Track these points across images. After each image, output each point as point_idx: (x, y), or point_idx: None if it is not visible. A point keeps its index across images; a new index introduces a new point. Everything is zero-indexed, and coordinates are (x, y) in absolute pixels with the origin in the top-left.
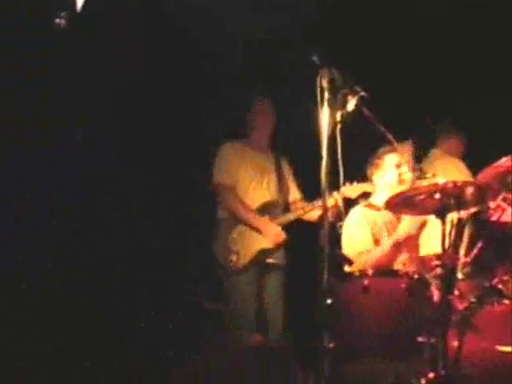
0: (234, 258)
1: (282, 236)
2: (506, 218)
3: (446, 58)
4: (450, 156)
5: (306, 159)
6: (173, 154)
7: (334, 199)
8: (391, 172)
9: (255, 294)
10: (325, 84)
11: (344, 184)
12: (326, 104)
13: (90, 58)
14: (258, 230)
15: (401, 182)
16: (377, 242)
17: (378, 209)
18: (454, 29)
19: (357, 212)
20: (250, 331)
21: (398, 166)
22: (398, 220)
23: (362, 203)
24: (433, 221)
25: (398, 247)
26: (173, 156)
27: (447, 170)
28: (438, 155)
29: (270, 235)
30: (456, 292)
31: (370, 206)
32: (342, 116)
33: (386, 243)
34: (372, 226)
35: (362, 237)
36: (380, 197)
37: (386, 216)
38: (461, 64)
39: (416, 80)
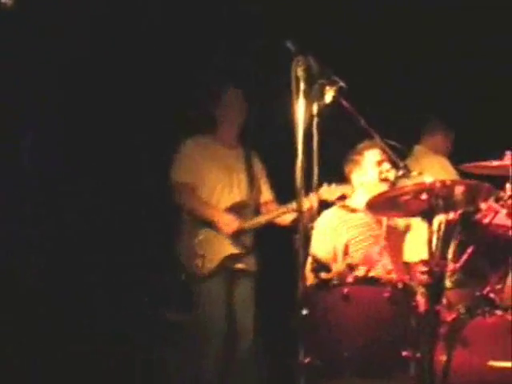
0: (199, 262)
1: (235, 224)
2: (498, 220)
3: (435, 51)
4: (435, 153)
5: (280, 156)
6: (129, 153)
7: (309, 202)
8: (372, 170)
9: (224, 300)
10: (300, 73)
11: (321, 185)
12: (301, 95)
13: (36, 41)
14: (212, 223)
15: (383, 180)
16: (347, 248)
17: (354, 210)
18: (440, 22)
19: (329, 214)
20: (219, 341)
21: (380, 163)
22: (378, 223)
23: (337, 204)
24: (419, 224)
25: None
26: (129, 156)
27: (433, 169)
28: (422, 152)
29: (222, 225)
30: (444, 302)
31: (345, 207)
32: (318, 109)
33: (340, 264)
34: (346, 229)
35: (332, 242)
36: (358, 197)
37: (362, 218)
38: (448, 58)
39: (401, 72)
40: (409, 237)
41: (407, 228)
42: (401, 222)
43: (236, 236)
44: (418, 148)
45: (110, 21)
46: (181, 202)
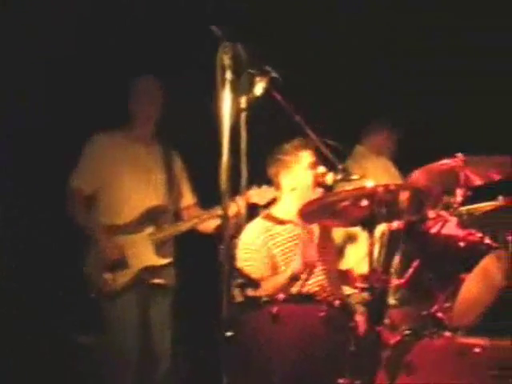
0: (109, 277)
1: (113, 254)
2: (448, 230)
3: (384, 44)
4: (377, 154)
5: (203, 155)
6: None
7: (236, 206)
8: (304, 173)
9: (139, 320)
10: (227, 61)
11: (250, 187)
12: (227, 86)
13: None
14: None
15: (318, 185)
16: (274, 266)
17: (281, 221)
18: (385, 16)
19: (254, 227)
20: (132, 366)
21: (314, 165)
22: (310, 234)
23: (261, 214)
24: (361, 234)
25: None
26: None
27: (376, 171)
28: (364, 153)
29: (102, 247)
30: (386, 322)
31: (271, 218)
32: (247, 102)
33: (282, 277)
34: (273, 244)
35: (259, 259)
36: (286, 205)
37: (292, 230)
38: (396, 54)
39: (343, 66)
40: (353, 249)
41: (350, 239)
42: (339, 233)
43: (153, 246)
44: (359, 148)
45: None
46: (67, 210)
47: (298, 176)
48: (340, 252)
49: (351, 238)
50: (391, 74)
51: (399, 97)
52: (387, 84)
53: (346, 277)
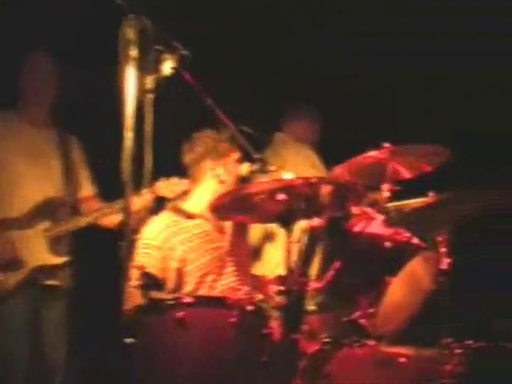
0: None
1: (7, 254)
2: (373, 228)
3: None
4: (300, 143)
5: (104, 141)
6: None
7: (143, 199)
8: (235, 165)
9: (27, 328)
10: (131, 36)
11: (158, 179)
12: (132, 64)
13: None
14: None
15: (231, 176)
16: (183, 262)
17: (190, 216)
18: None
19: (159, 220)
20: (19, 379)
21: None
22: (221, 231)
23: (168, 206)
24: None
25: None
26: None
27: (296, 161)
28: (284, 141)
29: None
30: (304, 329)
31: (180, 211)
32: (154, 82)
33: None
34: (180, 240)
35: (163, 257)
36: (197, 198)
37: (201, 226)
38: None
39: (264, 48)
40: (272, 249)
41: (268, 238)
42: (257, 231)
43: (48, 243)
44: (279, 136)
45: None
46: None
47: (229, 168)
48: (257, 253)
49: (270, 237)
50: (316, 56)
51: (324, 80)
52: (311, 67)
53: (258, 283)
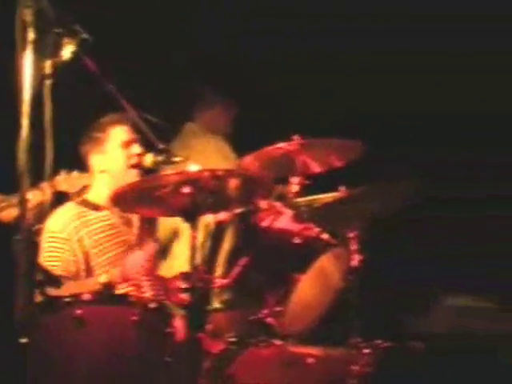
0: None
1: None
2: (282, 223)
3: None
4: (210, 134)
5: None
6: None
7: (40, 194)
8: (117, 152)
9: None
10: (29, 17)
11: (58, 172)
12: (29, 48)
13: None
14: None
15: (133, 167)
16: (91, 255)
17: (97, 207)
18: None
19: (64, 212)
20: None
21: (128, 144)
22: (129, 224)
23: (75, 199)
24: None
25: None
26: None
27: (206, 152)
28: (194, 131)
29: None
30: (209, 327)
31: (85, 202)
32: (53, 67)
33: (91, 282)
34: (86, 233)
35: (67, 250)
36: (101, 188)
37: (108, 218)
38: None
39: (173, 30)
40: (180, 246)
41: (177, 232)
42: (166, 226)
43: None
44: (189, 126)
45: None
46: None
47: (109, 156)
48: (165, 249)
49: (178, 232)
50: (227, 41)
51: (236, 68)
52: (224, 53)
53: (163, 280)
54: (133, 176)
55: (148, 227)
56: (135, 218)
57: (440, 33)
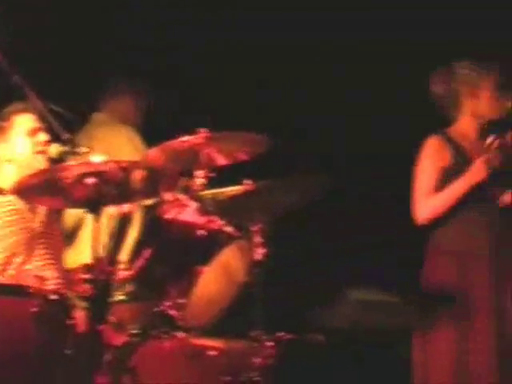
0: None
1: None
2: (186, 216)
3: None
4: (121, 124)
5: None
6: None
7: None
8: (22, 141)
9: None
10: None
11: None
12: None
13: None
14: None
15: (39, 154)
16: None
17: (1, 191)
18: None
19: None
20: None
21: (33, 132)
22: (34, 210)
23: None
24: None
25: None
26: None
27: (114, 143)
28: (102, 120)
29: None
30: (111, 320)
31: None
32: None
33: None
34: None
35: None
36: (7, 174)
37: (13, 203)
38: None
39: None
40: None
41: (82, 223)
42: (71, 216)
43: None
44: (98, 116)
45: None
46: None
47: (14, 144)
48: (70, 238)
49: (83, 223)
50: (137, 30)
51: (147, 58)
52: (134, 42)
53: (65, 271)
54: (41, 164)
55: (54, 215)
56: (42, 209)
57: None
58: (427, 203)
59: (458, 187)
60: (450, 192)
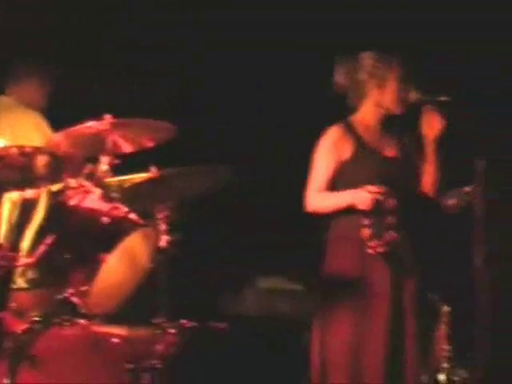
0: None
1: None
2: (90, 203)
3: None
4: (25, 108)
5: None
6: None
7: None
8: None
9: None
10: None
11: None
12: None
13: None
14: None
15: None
16: None
17: None
18: None
19: None
20: None
21: None
22: None
23: None
24: None
25: None
26: None
27: (21, 128)
28: (9, 105)
29: None
30: (12, 306)
31: None
32: None
33: None
34: None
35: None
36: None
37: None
38: None
39: None
40: None
41: None
42: None
43: None
44: (3, 99)
45: None
46: None
47: None
48: None
49: None
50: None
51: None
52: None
53: None
54: None
55: None
56: None
57: None
58: (315, 198)
59: (340, 201)
60: (333, 200)
